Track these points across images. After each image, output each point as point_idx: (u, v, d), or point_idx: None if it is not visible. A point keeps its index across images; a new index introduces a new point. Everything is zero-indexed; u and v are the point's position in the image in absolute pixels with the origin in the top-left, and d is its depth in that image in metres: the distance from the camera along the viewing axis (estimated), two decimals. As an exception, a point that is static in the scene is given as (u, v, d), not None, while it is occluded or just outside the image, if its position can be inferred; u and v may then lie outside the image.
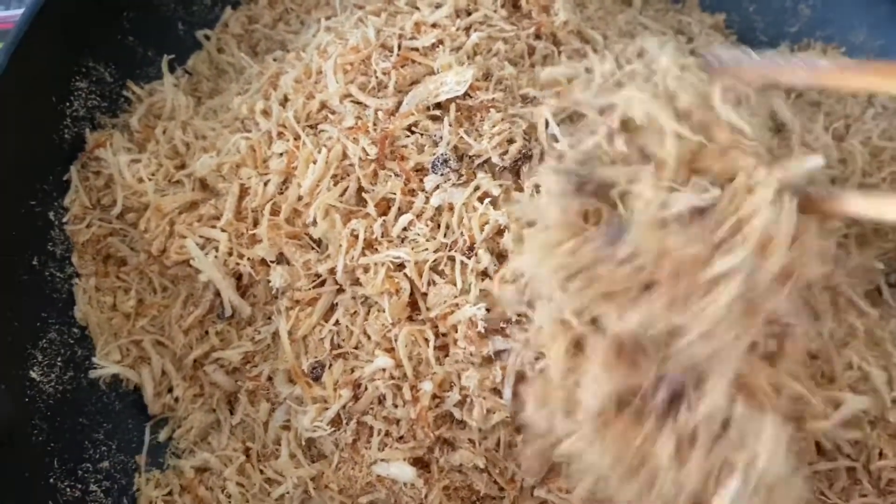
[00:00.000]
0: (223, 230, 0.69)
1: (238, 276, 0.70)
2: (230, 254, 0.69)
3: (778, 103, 0.82)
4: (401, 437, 0.61)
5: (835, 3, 0.93)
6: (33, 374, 0.66)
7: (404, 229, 0.64)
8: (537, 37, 0.76)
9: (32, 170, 0.71)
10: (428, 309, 0.62)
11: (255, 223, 0.69)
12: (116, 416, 0.70)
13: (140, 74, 0.82)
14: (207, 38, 0.87)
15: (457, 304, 0.61)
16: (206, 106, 0.81)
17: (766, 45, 0.96)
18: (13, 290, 0.67)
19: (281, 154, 0.70)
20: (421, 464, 0.61)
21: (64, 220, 0.73)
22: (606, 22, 0.88)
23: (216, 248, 0.69)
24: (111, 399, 0.70)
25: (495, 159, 0.64)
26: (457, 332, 0.61)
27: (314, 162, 0.67)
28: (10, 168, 0.68)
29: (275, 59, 0.80)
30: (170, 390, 0.71)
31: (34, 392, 0.65)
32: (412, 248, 0.63)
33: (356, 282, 0.65)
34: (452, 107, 0.67)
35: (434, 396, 0.60)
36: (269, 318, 0.69)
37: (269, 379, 0.68)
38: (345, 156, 0.67)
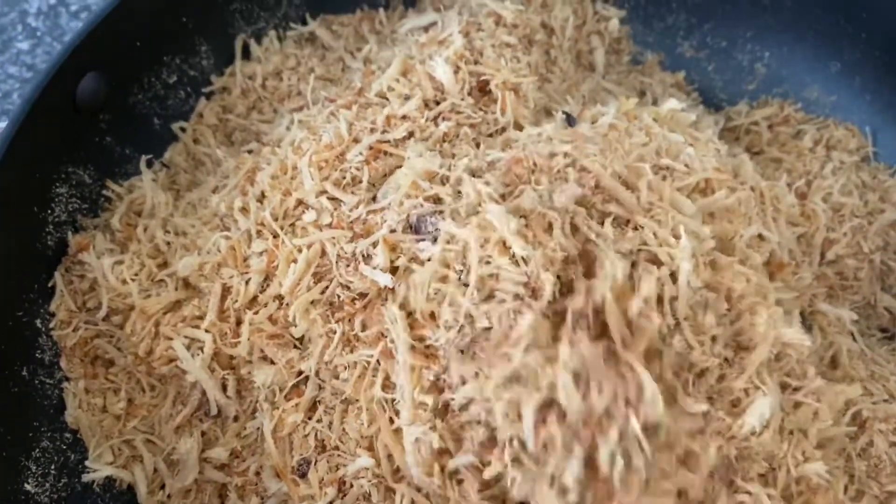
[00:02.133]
0: (207, 331, 0.71)
1: (225, 376, 0.71)
2: (216, 354, 0.71)
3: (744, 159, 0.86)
4: None
5: (788, 61, 0.97)
6: (28, 487, 0.67)
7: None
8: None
9: (17, 281, 0.72)
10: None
11: (238, 322, 0.71)
12: (111, 519, 0.71)
13: (119, 172, 0.83)
14: (183, 129, 0.89)
15: None
16: (185, 200, 0.83)
17: (726, 103, 1.00)
18: (4, 403, 0.68)
19: (261, 253, 0.72)
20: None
21: (51, 325, 0.74)
22: (571, 93, 0.91)
23: (201, 349, 0.71)
24: (105, 501, 0.71)
25: None
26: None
27: (294, 261, 0.69)
28: (-5, 283, 0.69)
29: (250, 152, 0.82)
30: (162, 487, 0.72)
31: (29, 505, 0.67)
32: (384, 346, 0.65)
33: (336, 379, 0.67)
34: None
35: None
36: (255, 414, 0.71)
37: (257, 474, 0.70)
38: (324, 253, 0.70)
